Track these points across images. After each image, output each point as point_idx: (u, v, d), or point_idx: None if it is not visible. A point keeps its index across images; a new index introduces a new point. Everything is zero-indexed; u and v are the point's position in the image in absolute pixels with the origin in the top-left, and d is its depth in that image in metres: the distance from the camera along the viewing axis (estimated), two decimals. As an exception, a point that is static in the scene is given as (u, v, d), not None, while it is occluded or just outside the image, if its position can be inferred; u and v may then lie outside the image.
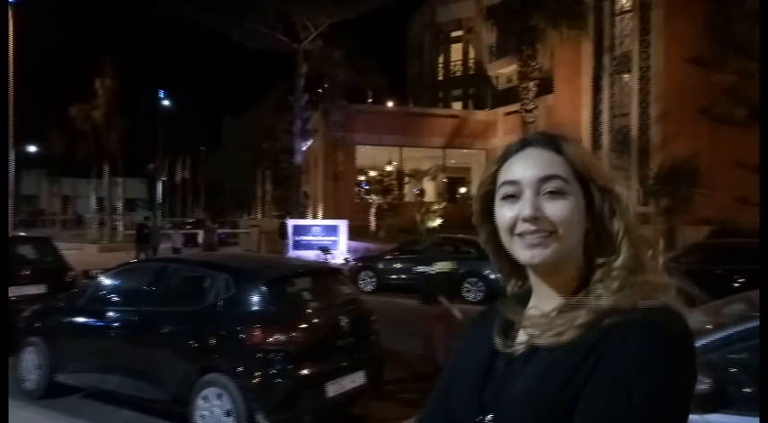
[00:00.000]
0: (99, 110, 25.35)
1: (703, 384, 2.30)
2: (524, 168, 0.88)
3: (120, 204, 29.13)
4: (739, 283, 7.92)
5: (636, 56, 18.94)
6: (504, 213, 0.88)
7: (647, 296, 0.81)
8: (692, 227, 12.74)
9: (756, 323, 2.63)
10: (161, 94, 33.90)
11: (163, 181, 41.55)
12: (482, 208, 0.95)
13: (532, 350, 0.86)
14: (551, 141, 0.90)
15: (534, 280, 0.92)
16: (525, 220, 0.85)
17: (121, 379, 5.05)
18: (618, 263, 0.85)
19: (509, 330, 0.93)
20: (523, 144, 0.92)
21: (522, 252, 0.87)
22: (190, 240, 18.96)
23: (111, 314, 5.36)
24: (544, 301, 0.90)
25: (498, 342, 0.92)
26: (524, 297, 0.96)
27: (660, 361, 0.76)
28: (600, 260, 0.87)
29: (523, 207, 0.86)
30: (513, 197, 0.88)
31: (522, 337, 0.90)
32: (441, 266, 6.59)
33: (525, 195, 0.86)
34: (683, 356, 0.78)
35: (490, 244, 0.95)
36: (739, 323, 2.61)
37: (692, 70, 15.32)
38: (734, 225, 13.42)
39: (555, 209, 0.85)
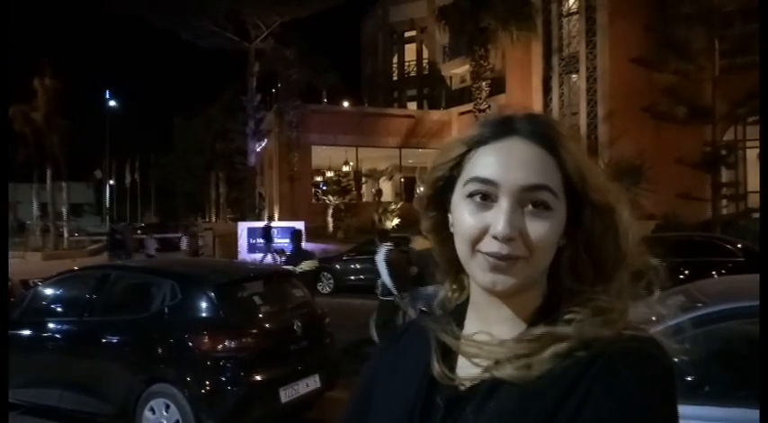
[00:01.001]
0: (39, 111, 24.21)
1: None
2: (506, 168, 0.68)
3: (64, 210, 27.90)
4: (684, 275, 8.25)
5: (583, 56, 19.54)
6: (468, 220, 0.69)
7: (629, 325, 0.67)
8: (638, 222, 13.18)
9: (695, 314, 2.73)
10: (107, 95, 32.74)
11: (111, 185, 40.11)
12: (433, 192, 0.75)
13: (492, 385, 0.68)
14: (545, 136, 0.70)
15: (484, 299, 0.74)
16: (496, 239, 0.67)
17: (63, 393, 4.82)
18: (598, 295, 0.70)
19: (447, 358, 0.75)
20: (507, 130, 0.71)
21: (483, 274, 0.69)
22: (168, 246, 17.87)
23: (50, 325, 5.10)
24: (494, 324, 0.73)
25: (438, 371, 0.73)
26: (459, 314, 0.78)
27: (662, 401, 0.64)
28: (576, 286, 0.71)
29: (497, 220, 0.67)
30: (483, 199, 0.69)
31: (466, 368, 0.73)
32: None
33: (501, 205, 0.67)
34: (676, 394, 0.66)
35: (434, 235, 0.77)
36: (679, 314, 2.69)
37: (636, 70, 15.93)
38: (677, 219, 14.02)
39: (537, 230, 0.67)
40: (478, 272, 0.69)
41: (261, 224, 20.52)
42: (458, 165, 0.72)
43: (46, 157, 25.43)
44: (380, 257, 6.86)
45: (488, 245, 0.67)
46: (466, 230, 0.69)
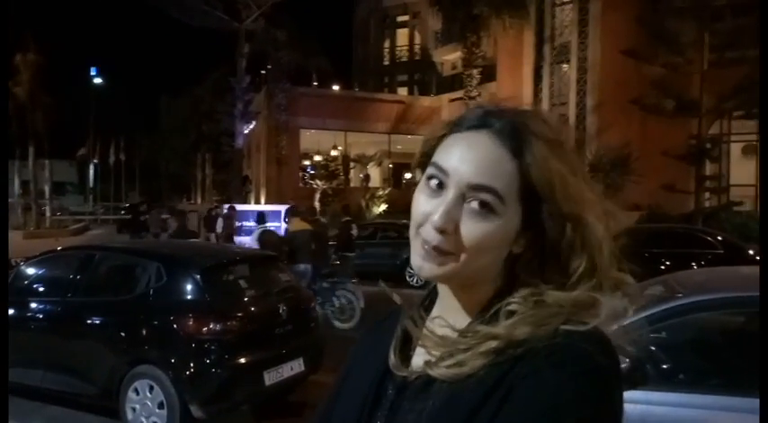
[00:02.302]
0: (22, 87, 23.70)
1: (623, 363, 2.43)
2: (462, 160, 0.68)
3: (47, 188, 27.51)
4: (665, 265, 8.39)
5: (574, 46, 19.54)
6: (420, 203, 0.70)
7: (572, 316, 0.65)
8: (623, 212, 13.36)
9: (672, 304, 2.79)
10: (92, 72, 32.11)
11: (95, 164, 39.54)
12: (419, 168, 0.75)
13: (427, 382, 0.69)
14: (514, 135, 0.67)
15: (440, 287, 0.76)
16: (432, 228, 0.67)
17: (45, 374, 4.81)
18: (551, 291, 0.67)
19: (407, 346, 0.76)
20: (482, 122, 0.70)
21: (415, 258, 0.70)
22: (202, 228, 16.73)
23: (33, 305, 5.07)
24: (449, 311, 0.74)
25: (392, 360, 0.75)
26: (433, 298, 0.79)
27: (580, 401, 0.61)
28: (529, 279, 0.69)
29: (437, 210, 0.67)
30: (436, 186, 0.69)
31: (419, 356, 0.73)
32: None
33: (447, 195, 0.67)
34: (607, 394, 0.63)
35: None
36: (657, 305, 2.75)
37: (625, 62, 15.97)
38: (661, 210, 14.21)
39: (472, 229, 0.66)
40: (413, 254, 0.70)
41: (247, 207, 20.40)
42: (436, 146, 0.72)
43: (28, 133, 24.98)
44: (253, 238, 7.78)
45: (425, 231, 0.68)
46: (414, 212, 0.70)
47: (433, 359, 0.70)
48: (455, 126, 0.72)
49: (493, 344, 0.66)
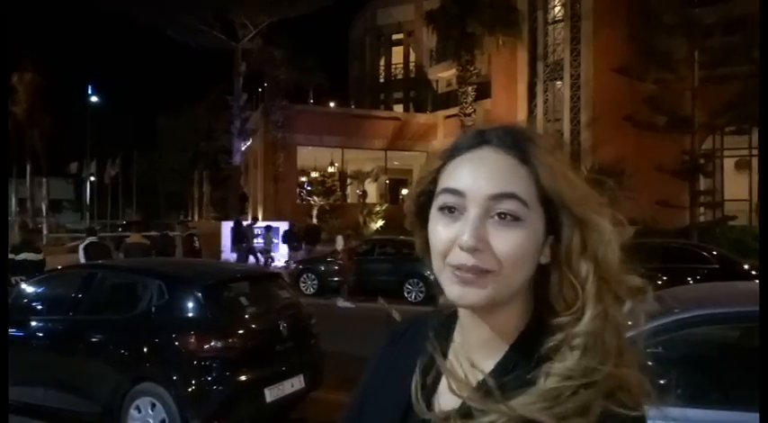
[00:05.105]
0: (19, 106, 23.86)
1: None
2: (474, 177, 0.66)
3: (44, 206, 27.53)
4: (661, 280, 8.44)
5: (567, 64, 19.85)
6: (439, 232, 0.67)
7: (616, 384, 0.63)
8: (618, 228, 13.46)
9: (668, 319, 2.85)
10: (89, 91, 32.26)
11: (92, 181, 39.49)
12: (417, 210, 0.73)
13: None
14: (517, 144, 0.67)
15: (465, 316, 0.72)
16: (462, 249, 0.65)
17: (48, 392, 4.81)
18: (581, 327, 0.64)
19: (430, 379, 0.73)
20: (480, 140, 0.69)
21: (451, 287, 0.66)
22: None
23: (35, 324, 5.08)
24: (475, 346, 0.71)
25: (414, 397, 0.72)
26: (452, 323, 0.76)
27: None
28: (559, 319, 0.66)
29: (463, 231, 0.65)
30: (453, 211, 0.67)
31: (445, 396, 0.71)
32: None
33: (469, 215, 0.65)
34: None
35: (427, 255, 0.72)
36: (653, 320, 2.81)
37: (618, 79, 16.22)
38: (656, 225, 14.32)
39: (504, 241, 0.64)
40: (448, 286, 0.67)
41: (245, 224, 20.41)
42: (434, 179, 0.71)
43: (26, 152, 25.06)
44: (81, 247, 8.35)
45: (456, 256, 0.65)
46: (436, 243, 0.68)
47: (458, 406, 0.68)
48: (452, 153, 0.70)
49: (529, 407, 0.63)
